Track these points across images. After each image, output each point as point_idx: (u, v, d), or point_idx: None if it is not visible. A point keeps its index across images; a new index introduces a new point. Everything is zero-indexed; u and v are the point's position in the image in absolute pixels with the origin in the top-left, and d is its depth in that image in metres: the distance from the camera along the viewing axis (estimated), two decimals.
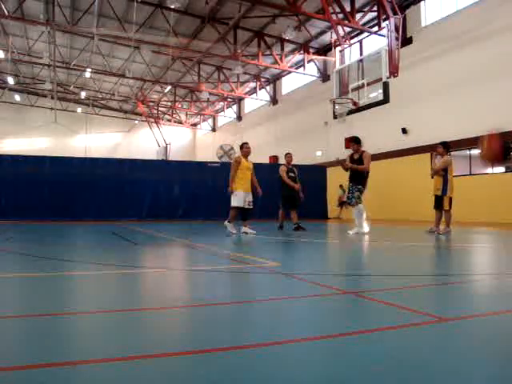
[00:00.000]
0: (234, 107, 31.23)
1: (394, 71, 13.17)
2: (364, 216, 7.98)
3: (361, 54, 16.37)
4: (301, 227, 9.01)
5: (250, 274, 3.51)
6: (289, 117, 24.25)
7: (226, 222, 8.22)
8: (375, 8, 15.55)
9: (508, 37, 12.85)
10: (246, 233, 7.93)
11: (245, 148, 8.40)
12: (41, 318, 2.02)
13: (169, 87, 27.45)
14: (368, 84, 11.90)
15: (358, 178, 8.09)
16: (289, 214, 9.45)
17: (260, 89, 26.12)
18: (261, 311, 2.25)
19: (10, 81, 26.49)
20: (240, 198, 8.18)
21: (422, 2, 16.04)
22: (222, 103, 30.99)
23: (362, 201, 7.95)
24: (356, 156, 8.16)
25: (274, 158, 24.47)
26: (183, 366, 1.41)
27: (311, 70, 21.70)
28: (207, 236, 8.49)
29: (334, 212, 19.47)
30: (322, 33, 19.57)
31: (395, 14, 14.02)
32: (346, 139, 19.20)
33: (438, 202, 8.28)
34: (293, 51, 21.25)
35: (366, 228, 7.90)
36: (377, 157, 17.92)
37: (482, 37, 13.45)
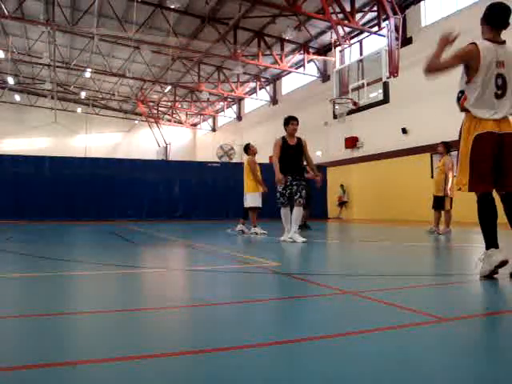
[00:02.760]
0: (234, 107, 31.22)
1: (393, 71, 13.18)
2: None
3: (361, 54, 16.37)
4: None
5: (249, 273, 3.51)
6: None
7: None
8: (375, 8, 15.53)
9: (508, 36, 12.83)
10: (243, 232, 7.96)
11: (252, 148, 8.48)
12: (41, 318, 2.02)
13: (169, 87, 27.43)
14: (368, 84, 11.91)
15: (302, 170, 6.58)
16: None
17: (260, 89, 26.11)
18: (261, 311, 2.25)
19: (10, 81, 26.46)
20: (258, 198, 8.29)
21: (421, 2, 16.03)
22: (222, 103, 30.98)
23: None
24: (293, 142, 6.43)
25: None
26: (183, 366, 1.41)
27: (311, 69, 21.70)
28: (207, 236, 8.49)
29: (334, 212, 19.48)
30: (322, 33, 19.56)
31: (395, 14, 14.03)
32: (346, 139, 19.23)
33: (439, 203, 8.27)
34: (293, 51, 21.24)
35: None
36: (377, 157, 17.95)
37: None
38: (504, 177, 2.96)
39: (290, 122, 6.43)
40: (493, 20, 2.94)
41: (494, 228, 2.96)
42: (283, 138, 6.47)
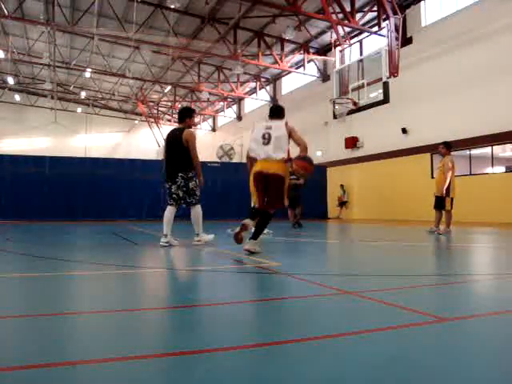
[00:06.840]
0: (234, 107, 31.22)
1: (393, 71, 13.17)
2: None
3: (361, 54, 16.38)
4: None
5: (250, 273, 3.51)
6: (289, 117, 23.99)
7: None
8: (375, 8, 15.52)
9: (508, 37, 12.84)
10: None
11: None
12: (41, 318, 2.02)
13: (169, 87, 27.44)
14: (368, 84, 11.91)
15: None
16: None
17: (260, 89, 26.11)
18: (261, 311, 2.25)
19: (10, 81, 26.48)
20: None
21: (421, 2, 16.03)
22: (222, 103, 30.98)
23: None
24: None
25: None
26: (183, 366, 1.41)
27: (311, 70, 21.70)
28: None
29: (334, 212, 19.48)
30: (322, 33, 19.57)
31: (395, 13, 14.02)
32: (346, 139, 19.23)
33: (440, 203, 8.27)
34: (293, 51, 21.24)
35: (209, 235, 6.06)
36: (377, 157, 17.95)
37: (482, 37, 13.45)
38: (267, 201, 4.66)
39: (194, 114, 5.81)
40: (269, 113, 5.04)
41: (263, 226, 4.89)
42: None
